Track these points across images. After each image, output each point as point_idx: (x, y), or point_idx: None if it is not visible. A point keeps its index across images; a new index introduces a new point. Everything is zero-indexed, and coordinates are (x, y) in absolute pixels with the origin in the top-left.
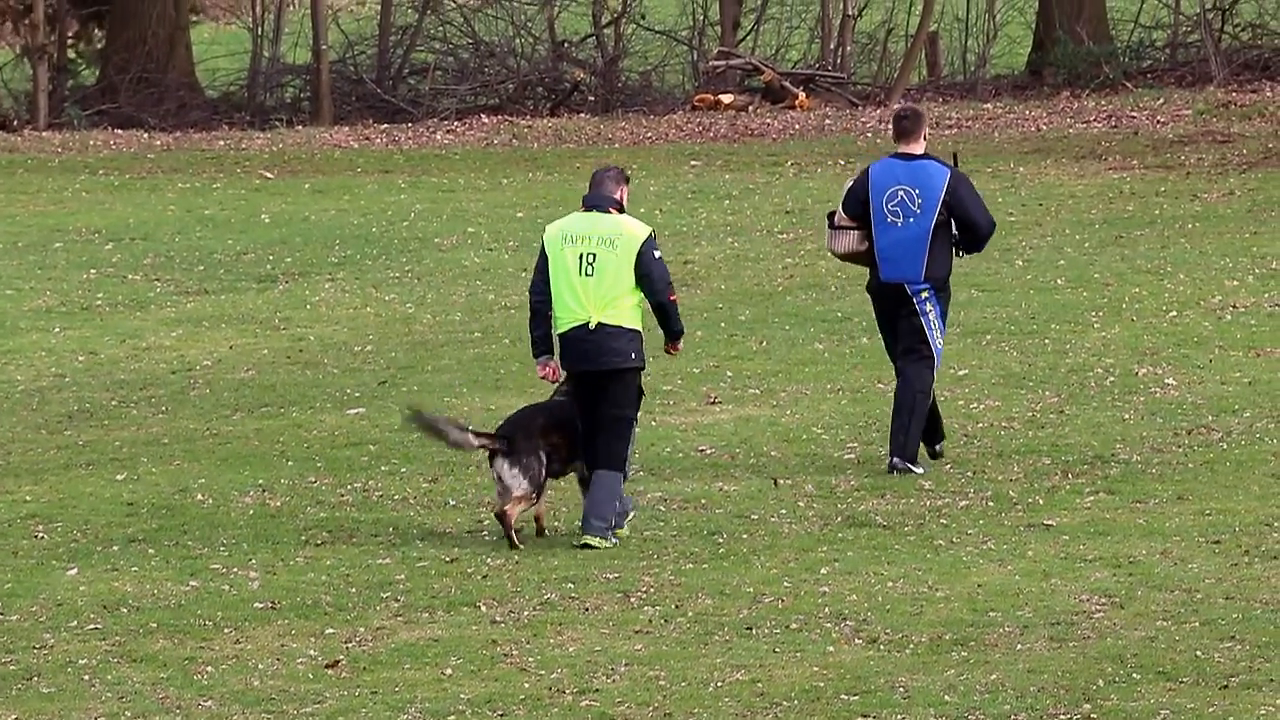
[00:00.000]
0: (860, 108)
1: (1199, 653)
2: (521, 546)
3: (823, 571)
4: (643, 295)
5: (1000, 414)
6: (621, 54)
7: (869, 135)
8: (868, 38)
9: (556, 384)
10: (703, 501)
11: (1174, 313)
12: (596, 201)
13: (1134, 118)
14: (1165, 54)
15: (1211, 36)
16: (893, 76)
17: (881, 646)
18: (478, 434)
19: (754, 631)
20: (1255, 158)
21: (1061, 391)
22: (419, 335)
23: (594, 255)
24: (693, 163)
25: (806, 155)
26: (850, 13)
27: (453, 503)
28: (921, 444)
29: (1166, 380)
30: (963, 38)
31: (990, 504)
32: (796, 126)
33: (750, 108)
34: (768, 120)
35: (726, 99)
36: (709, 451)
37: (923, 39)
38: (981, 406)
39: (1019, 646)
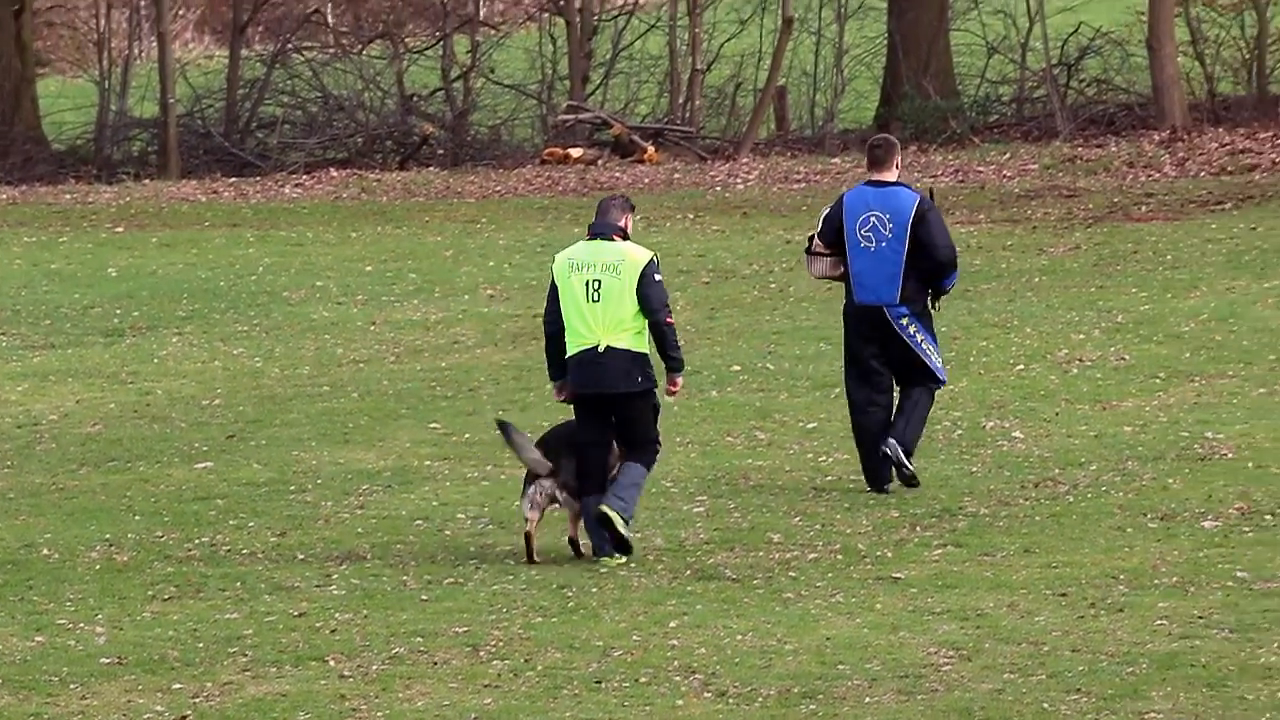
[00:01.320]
0: (709, 161)
1: (1046, 705)
2: (538, 560)
3: (672, 625)
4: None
5: (849, 467)
6: (470, 108)
7: (718, 189)
8: (716, 92)
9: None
10: (552, 555)
11: (1021, 366)
12: (601, 230)
13: (980, 172)
14: (1012, 109)
15: (1057, 92)
16: (741, 130)
17: (730, 700)
18: (542, 460)
19: (603, 685)
20: (1100, 212)
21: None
22: (267, 389)
23: (599, 281)
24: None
25: (655, 209)
26: (699, 67)
27: (301, 556)
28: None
29: (1014, 433)
30: (811, 92)
31: (839, 557)
32: (645, 180)
33: (599, 161)
34: (617, 174)
35: (575, 153)
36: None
37: (771, 93)
38: (830, 460)
39: (867, 699)
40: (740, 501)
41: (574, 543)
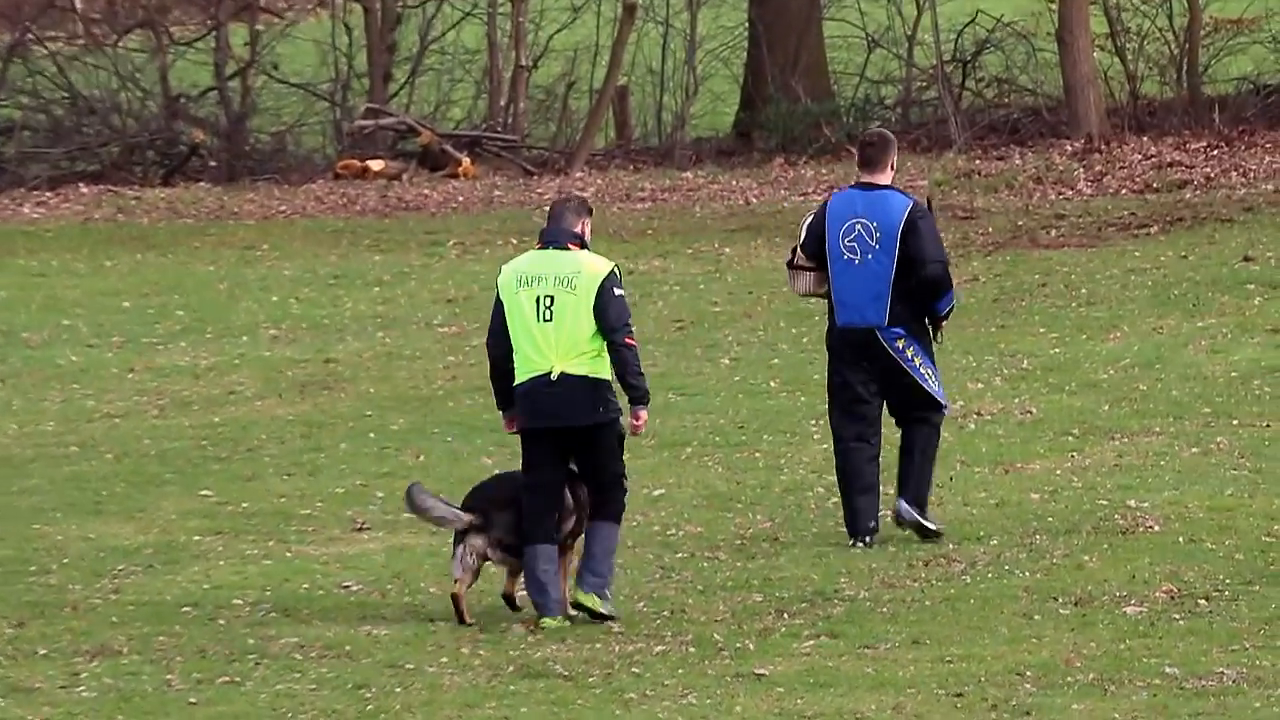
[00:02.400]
0: (536, 176)
1: None
2: (470, 620)
3: None
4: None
5: (703, 542)
6: (249, 111)
7: (546, 208)
8: (545, 93)
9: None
10: (347, 648)
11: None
12: (554, 237)
13: None
14: (896, 114)
15: (951, 94)
16: (574, 139)
17: None
18: (461, 511)
19: None
20: (1002, 236)
21: (776, 515)
22: (2, 449)
23: (551, 298)
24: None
25: (472, 233)
26: (524, 63)
27: (43, 651)
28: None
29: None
30: (657, 94)
31: (691, 650)
32: (460, 198)
33: (404, 176)
34: (425, 191)
35: (376, 165)
36: (355, 588)
37: (609, 95)
38: (681, 533)
39: None
40: (573, 583)
41: (508, 599)
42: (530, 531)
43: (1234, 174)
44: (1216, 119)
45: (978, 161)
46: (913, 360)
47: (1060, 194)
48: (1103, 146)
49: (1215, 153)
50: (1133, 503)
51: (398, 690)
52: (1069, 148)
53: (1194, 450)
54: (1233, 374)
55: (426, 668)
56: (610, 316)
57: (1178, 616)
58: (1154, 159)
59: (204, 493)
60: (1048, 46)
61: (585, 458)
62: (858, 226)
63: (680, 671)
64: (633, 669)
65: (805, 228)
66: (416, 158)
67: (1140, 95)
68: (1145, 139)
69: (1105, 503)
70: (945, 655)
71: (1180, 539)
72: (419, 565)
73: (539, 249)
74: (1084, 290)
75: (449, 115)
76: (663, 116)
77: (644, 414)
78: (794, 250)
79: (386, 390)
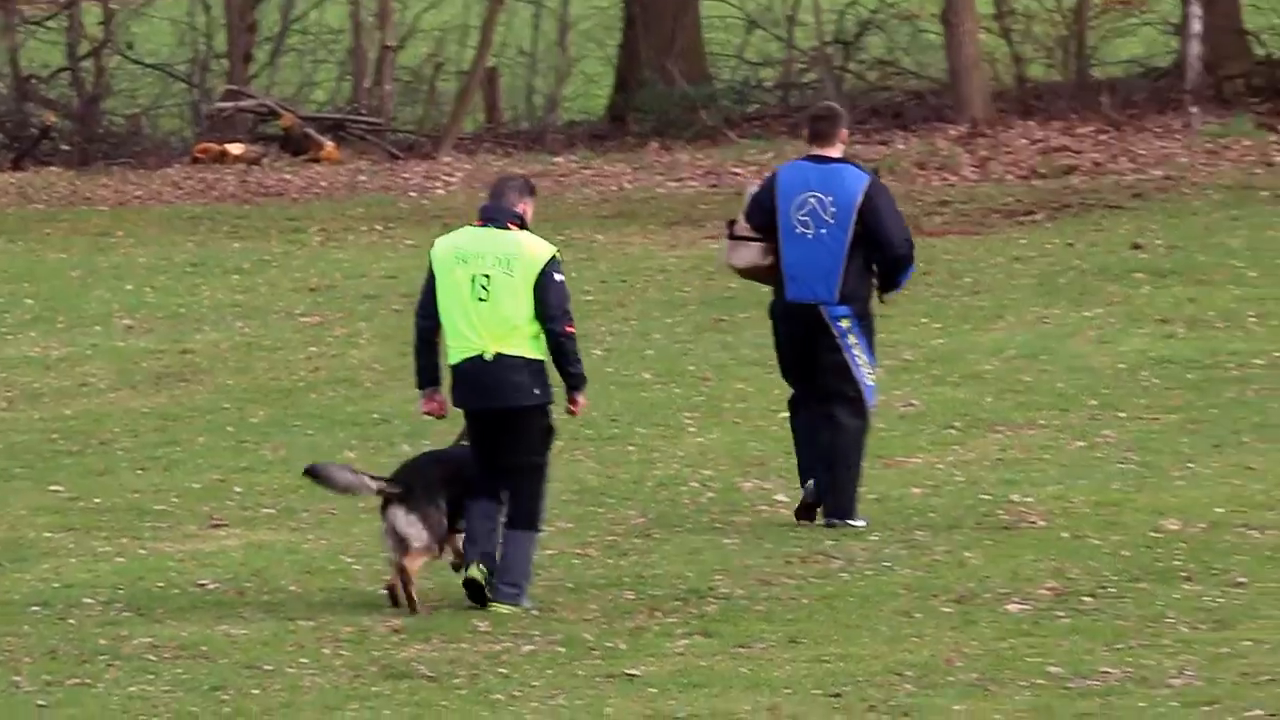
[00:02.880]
0: (402, 160)
1: None
2: (423, 611)
3: None
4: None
5: (574, 538)
6: (104, 93)
7: (413, 194)
8: (411, 74)
9: (459, 435)
10: (203, 648)
11: (786, 414)
12: (494, 214)
13: (738, 174)
14: (776, 97)
15: (832, 76)
16: (442, 122)
17: None
18: (375, 478)
19: None
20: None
21: (649, 510)
22: None
23: (488, 277)
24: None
25: (335, 219)
26: (389, 43)
27: None
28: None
29: (776, 496)
30: (528, 75)
31: (561, 649)
32: (323, 184)
33: (265, 160)
34: (287, 176)
35: (235, 149)
36: (211, 586)
37: (479, 77)
38: (550, 529)
39: None
40: (439, 581)
41: (391, 592)
42: (477, 487)
43: (1122, 159)
44: (1105, 103)
45: (859, 146)
46: (850, 344)
47: (944, 180)
48: (988, 131)
49: (1103, 138)
50: (1016, 497)
51: (256, 692)
52: (953, 132)
53: (1080, 443)
54: (1120, 365)
55: (286, 669)
56: (551, 303)
57: (1062, 614)
58: (1041, 144)
59: (54, 488)
60: (932, 28)
61: (511, 440)
62: (811, 200)
63: (549, 672)
64: (499, 669)
65: (750, 198)
66: (278, 141)
67: (1027, 78)
68: (1032, 123)
69: (988, 497)
70: (822, 655)
71: (1065, 534)
72: (278, 562)
73: (479, 226)
74: (968, 279)
75: (312, 97)
76: (534, 99)
77: (582, 398)
78: (732, 222)
79: (245, 382)
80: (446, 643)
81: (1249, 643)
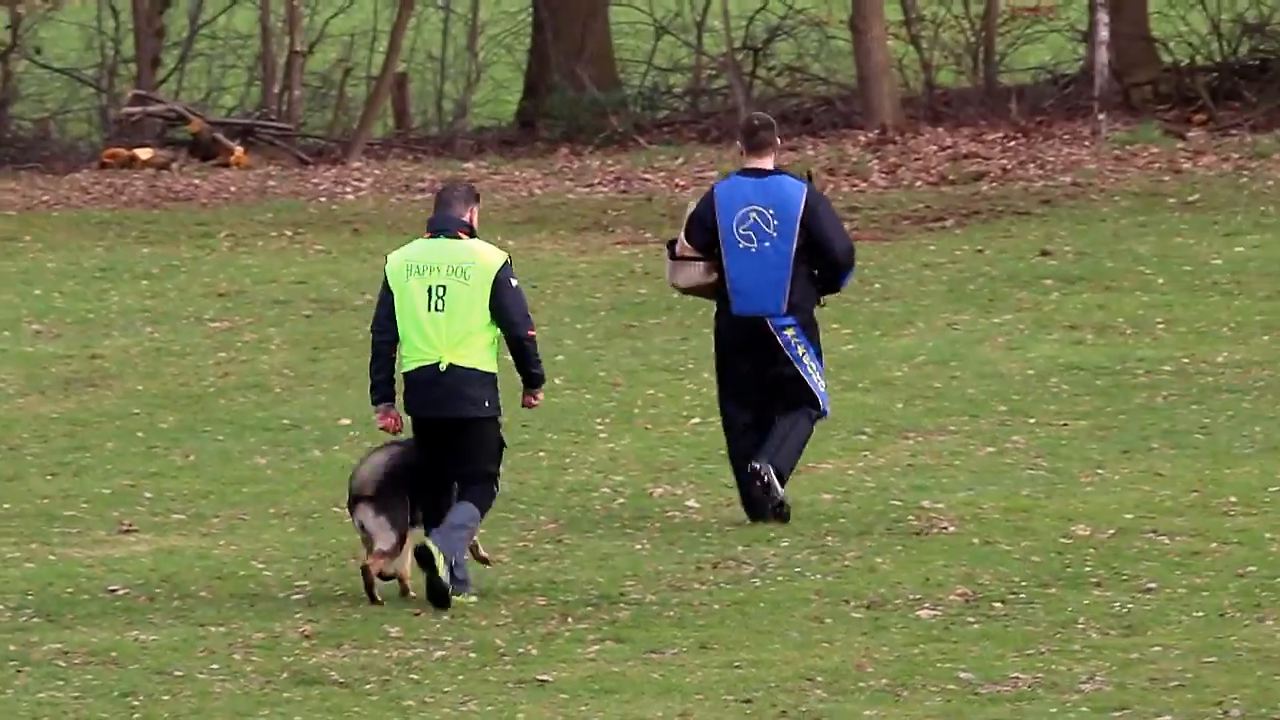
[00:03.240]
0: (312, 165)
1: None
2: (381, 601)
3: None
4: (498, 332)
5: (485, 544)
6: (11, 97)
7: (322, 200)
8: (321, 80)
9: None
10: (114, 654)
11: (697, 420)
12: (444, 225)
13: (648, 180)
14: (686, 103)
15: (741, 82)
16: (352, 127)
17: None
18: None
19: None
20: None
21: (560, 516)
22: None
23: (444, 287)
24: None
25: (245, 224)
26: (298, 49)
27: None
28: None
29: (688, 502)
30: (438, 81)
31: (472, 655)
32: (232, 189)
33: (174, 165)
34: (196, 181)
35: (144, 154)
36: (121, 592)
37: (388, 82)
38: None
39: None
40: (350, 586)
41: (368, 573)
42: (431, 521)
43: (1031, 166)
44: (1013, 109)
45: None
46: (800, 355)
47: (854, 186)
48: (897, 137)
49: (1012, 144)
50: (927, 503)
51: (166, 698)
52: (863, 138)
53: (990, 449)
54: (1029, 371)
55: (196, 674)
56: (511, 310)
57: (972, 620)
58: (949, 150)
59: None
60: (841, 34)
61: (462, 451)
62: (752, 215)
63: (460, 678)
64: (411, 675)
65: (689, 218)
66: (187, 146)
67: (936, 85)
68: (941, 130)
69: (899, 503)
70: (734, 660)
71: (975, 540)
72: (188, 568)
73: (429, 238)
74: (878, 285)
75: (221, 102)
76: (443, 104)
77: (540, 395)
78: (672, 243)
79: (155, 387)
80: (358, 648)
81: (1158, 648)
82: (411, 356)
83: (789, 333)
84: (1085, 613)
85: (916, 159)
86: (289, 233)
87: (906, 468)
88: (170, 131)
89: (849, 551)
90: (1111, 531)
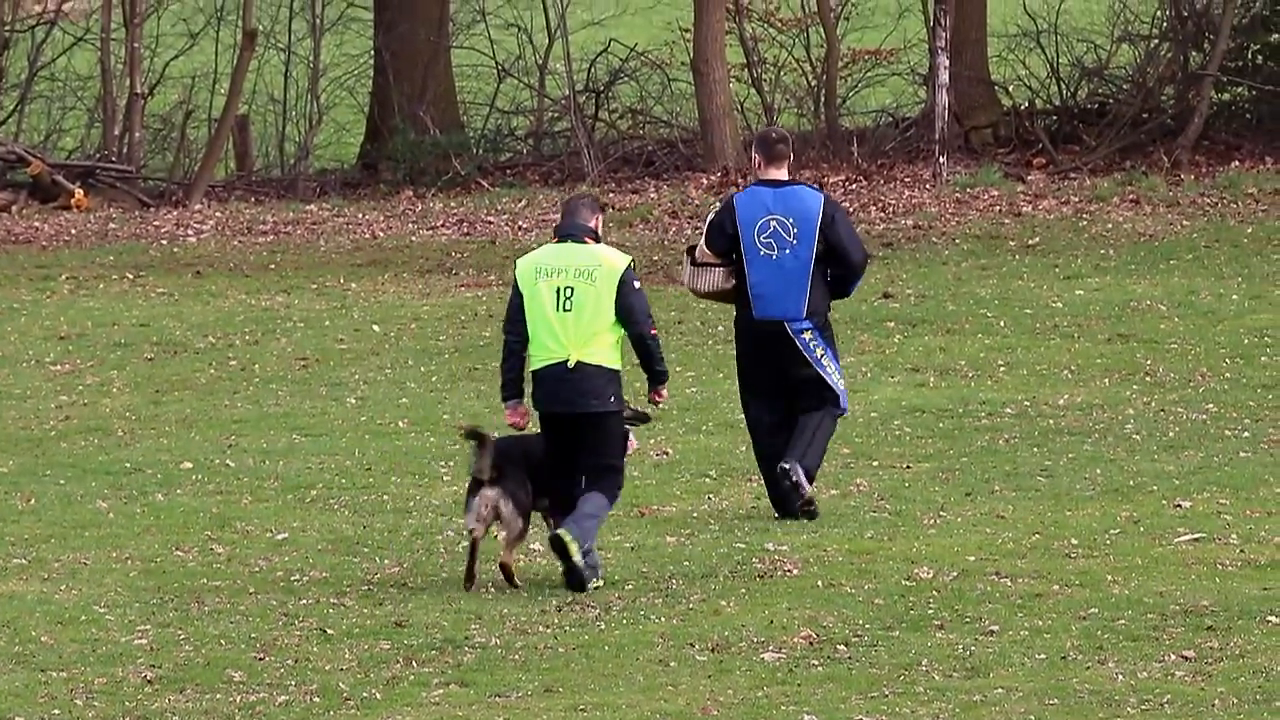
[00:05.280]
0: (154, 208)
1: None
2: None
3: None
4: (622, 331)
5: (329, 588)
6: None
7: (164, 242)
8: (162, 122)
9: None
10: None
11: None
12: (571, 231)
13: (491, 223)
14: (529, 145)
15: (584, 125)
16: (193, 170)
17: None
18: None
19: None
20: (637, 272)
21: (404, 559)
22: None
23: (571, 289)
24: None
25: (86, 267)
26: (139, 91)
27: None
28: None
29: (532, 545)
30: (280, 123)
31: (315, 700)
32: (73, 231)
33: (14, 208)
34: (36, 224)
35: None
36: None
37: (229, 124)
38: (305, 578)
39: None
40: (193, 631)
41: (505, 569)
42: (556, 515)
43: (873, 208)
44: (855, 152)
45: (612, 194)
46: (819, 357)
47: (696, 228)
48: (740, 180)
49: (854, 187)
50: (771, 546)
51: None
52: (705, 180)
53: (833, 492)
54: (872, 414)
55: None
56: (634, 310)
57: (816, 663)
58: None
59: None
60: (683, 77)
61: (590, 444)
62: (773, 223)
63: None
64: None
65: (709, 225)
66: (26, 188)
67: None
68: None
69: (743, 546)
70: (579, 704)
71: (819, 583)
72: (29, 613)
73: (556, 243)
74: (720, 328)
75: (61, 144)
76: (285, 147)
77: (664, 391)
78: (691, 249)
79: None
80: (201, 693)
81: (1001, 690)
82: (540, 355)
83: (806, 335)
84: (928, 655)
85: None
86: (130, 275)
87: (750, 510)
88: (10, 174)
89: (693, 594)
90: (954, 574)
